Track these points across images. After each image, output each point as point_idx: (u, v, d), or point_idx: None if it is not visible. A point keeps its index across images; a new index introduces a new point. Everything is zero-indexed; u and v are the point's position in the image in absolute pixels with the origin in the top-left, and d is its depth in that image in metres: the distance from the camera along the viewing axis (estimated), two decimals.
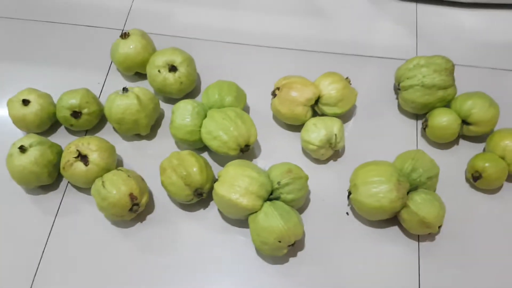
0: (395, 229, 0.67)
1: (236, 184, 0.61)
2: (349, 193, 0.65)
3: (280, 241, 0.60)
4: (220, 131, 0.66)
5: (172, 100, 0.77)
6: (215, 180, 0.65)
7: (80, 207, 0.69)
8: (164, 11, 0.87)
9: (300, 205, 0.67)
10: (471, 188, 0.69)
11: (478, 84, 0.76)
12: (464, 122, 0.69)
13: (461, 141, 0.73)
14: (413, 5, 0.87)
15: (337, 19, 0.86)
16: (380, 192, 0.61)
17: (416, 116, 0.75)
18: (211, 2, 0.89)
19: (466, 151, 0.71)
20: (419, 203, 0.62)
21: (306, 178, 0.65)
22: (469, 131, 0.70)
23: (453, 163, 0.71)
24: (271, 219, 0.60)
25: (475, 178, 0.67)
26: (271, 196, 0.63)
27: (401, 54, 0.82)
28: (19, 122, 0.71)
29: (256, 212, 0.62)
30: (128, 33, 0.76)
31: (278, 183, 0.63)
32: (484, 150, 0.71)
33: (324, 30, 0.85)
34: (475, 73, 0.79)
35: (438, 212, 0.62)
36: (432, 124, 0.69)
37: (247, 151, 0.68)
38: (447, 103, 0.72)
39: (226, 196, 0.61)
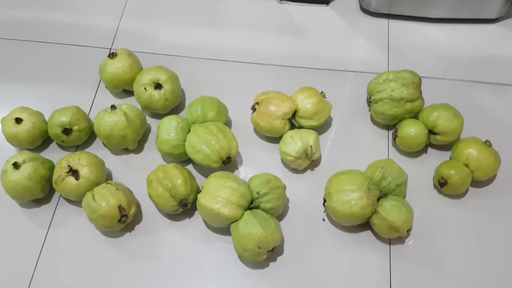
0: (367, 233, 0.71)
1: (218, 194, 0.66)
2: (324, 201, 0.70)
3: (259, 247, 0.64)
4: (203, 145, 0.71)
5: (158, 115, 0.82)
6: (199, 191, 0.70)
7: (72, 219, 0.73)
8: (149, 30, 0.92)
9: (279, 213, 0.71)
10: (438, 194, 0.74)
11: (444, 95, 0.81)
12: (431, 132, 0.74)
13: (429, 150, 0.78)
14: (385, 21, 0.93)
15: (313, 35, 0.91)
16: (351, 199, 0.66)
17: (387, 127, 0.80)
18: (194, 20, 0.93)
19: (433, 159, 0.76)
20: (388, 209, 0.66)
21: (284, 187, 0.70)
22: (436, 141, 0.75)
23: (421, 171, 0.76)
24: (251, 227, 0.64)
25: (441, 184, 0.72)
26: (251, 205, 0.68)
27: (373, 68, 0.87)
28: (12, 139, 0.75)
29: (237, 220, 0.66)
30: (116, 53, 0.80)
31: (258, 193, 0.67)
32: (450, 158, 0.76)
33: (301, 47, 0.90)
34: (442, 85, 0.84)
35: (406, 217, 0.66)
36: (401, 135, 0.74)
37: (228, 163, 0.73)
38: (415, 115, 0.77)
39: (208, 206, 0.65)
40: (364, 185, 0.66)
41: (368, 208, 0.66)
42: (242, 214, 0.66)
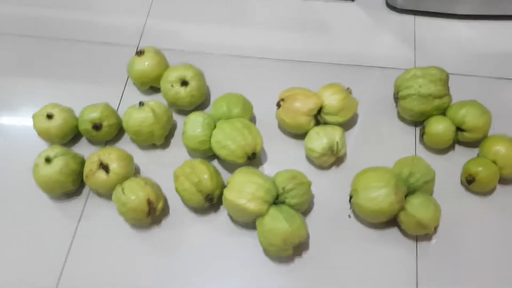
0: (394, 230, 0.71)
1: (243, 190, 0.66)
2: (350, 197, 0.70)
3: (285, 242, 0.64)
4: (229, 140, 0.71)
5: (184, 112, 0.83)
6: (224, 186, 0.70)
7: (101, 212, 0.75)
8: (175, 28, 0.93)
9: (304, 209, 0.71)
10: (466, 191, 0.73)
11: (472, 92, 0.80)
12: (459, 129, 0.74)
13: (457, 147, 0.77)
14: (411, 17, 0.92)
15: (338, 32, 0.91)
16: (379, 196, 0.66)
17: (414, 123, 0.80)
18: (219, 18, 0.94)
19: (461, 156, 0.76)
20: (416, 206, 0.66)
21: (309, 183, 0.70)
22: (463, 137, 0.74)
23: (449, 168, 0.75)
24: (277, 222, 0.65)
25: (469, 181, 0.71)
26: (276, 201, 0.68)
27: (400, 64, 0.86)
28: (43, 134, 0.77)
29: (262, 215, 0.67)
30: (143, 50, 0.82)
31: (283, 188, 0.68)
32: (477, 155, 0.75)
33: (326, 43, 0.90)
34: (469, 82, 0.83)
35: (434, 214, 0.66)
36: (429, 131, 0.74)
37: (253, 159, 0.73)
38: (442, 111, 0.76)
39: (234, 201, 0.66)
40: (391, 182, 0.66)
41: (396, 205, 0.66)
42: (268, 209, 0.67)
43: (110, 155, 0.72)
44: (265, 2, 0.96)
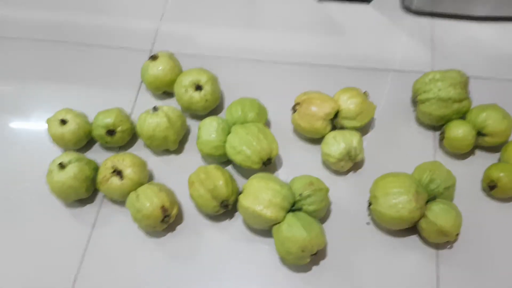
0: (414, 237, 0.69)
1: (260, 196, 0.65)
2: (369, 204, 0.68)
3: (303, 250, 0.63)
4: (244, 146, 0.70)
5: (198, 116, 0.82)
6: (239, 193, 0.69)
7: (115, 218, 0.74)
8: (189, 31, 0.93)
9: (322, 216, 0.70)
10: (487, 197, 0.71)
11: (492, 96, 0.78)
12: (479, 133, 0.72)
13: (477, 152, 0.75)
14: (428, 19, 0.90)
15: (353, 34, 0.90)
16: (399, 203, 0.64)
17: (433, 128, 0.78)
18: (232, 22, 0.93)
19: (481, 161, 0.74)
20: (437, 213, 0.64)
21: (327, 190, 0.68)
22: (484, 142, 0.72)
23: (469, 173, 0.73)
24: (294, 230, 0.63)
25: (490, 187, 0.69)
26: (293, 207, 0.67)
27: (417, 67, 0.84)
28: (57, 140, 0.77)
29: (279, 222, 0.65)
30: (157, 55, 0.81)
31: (300, 195, 0.66)
32: (499, 160, 0.73)
33: (341, 45, 0.89)
34: (489, 85, 0.81)
35: (455, 221, 0.64)
36: (449, 136, 0.72)
37: (269, 164, 0.72)
38: (462, 115, 0.74)
39: (250, 207, 0.65)
40: (412, 188, 0.64)
41: (417, 212, 0.64)
42: (285, 216, 0.65)
43: (124, 161, 0.71)
44: (279, 5, 0.95)
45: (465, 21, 0.89)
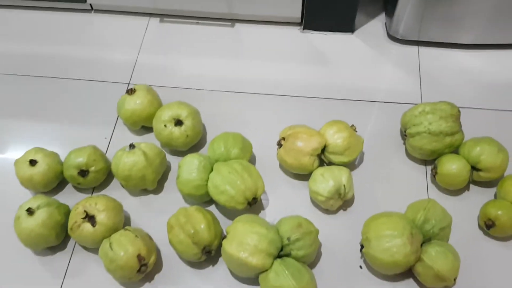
0: (409, 282, 0.65)
1: (244, 241, 0.60)
2: (362, 246, 0.64)
3: None
4: (227, 185, 0.66)
5: (178, 152, 0.77)
6: (223, 236, 0.65)
7: (88, 267, 0.68)
8: (168, 63, 0.89)
9: (312, 260, 0.65)
10: (485, 236, 0.68)
11: (484, 127, 0.76)
12: (474, 168, 0.69)
13: (472, 187, 0.72)
14: (414, 48, 0.88)
15: (339, 64, 0.87)
16: (393, 246, 0.60)
17: (424, 162, 0.75)
18: (214, 52, 0.90)
19: (477, 197, 0.70)
20: (433, 256, 0.60)
21: (317, 232, 0.64)
22: (479, 177, 0.69)
23: (464, 210, 0.69)
24: (282, 279, 0.58)
25: (488, 226, 0.65)
26: (281, 253, 0.62)
27: (406, 98, 0.82)
28: (26, 182, 0.71)
29: (266, 270, 0.60)
30: (134, 89, 0.77)
31: (288, 239, 0.62)
32: (495, 195, 0.70)
33: (327, 76, 0.86)
34: (481, 116, 0.79)
35: (453, 264, 0.60)
36: (442, 172, 0.69)
37: (254, 204, 0.67)
38: (455, 149, 0.71)
39: (235, 255, 0.60)
40: (406, 230, 0.60)
41: (412, 256, 0.60)
42: (272, 263, 0.61)
43: (96, 205, 0.66)
44: (261, 35, 0.92)
45: (452, 49, 0.87)
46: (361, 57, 0.88)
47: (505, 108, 0.79)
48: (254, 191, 0.67)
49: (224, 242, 0.62)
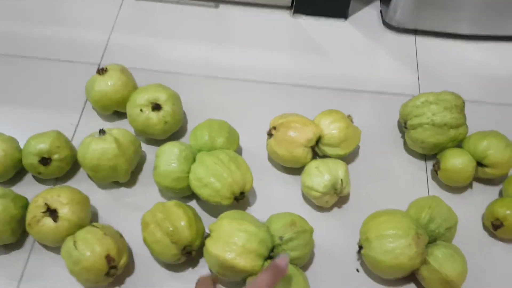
0: (412, 287, 0.59)
1: (231, 241, 0.53)
2: (360, 247, 0.58)
3: None
4: (212, 177, 0.58)
5: (155, 141, 0.69)
6: (206, 235, 0.57)
7: (49, 269, 0.59)
8: (145, 44, 0.80)
9: (305, 262, 0.58)
10: (490, 237, 0.63)
11: (486, 121, 0.71)
12: (479, 164, 0.64)
13: (475, 184, 0.67)
14: (411, 37, 0.83)
15: (331, 52, 0.81)
16: (397, 247, 0.54)
17: (424, 157, 0.69)
18: (196, 35, 0.82)
19: (481, 195, 0.65)
20: (440, 259, 0.54)
21: (311, 231, 0.58)
22: (484, 174, 0.64)
23: (468, 209, 0.64)
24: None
25: (495, 226, 0.60)
26: (272, 254, 0.55)
27: (402, 89, 0.76)
28: None
29: (256, 274, 0.53)
30: (106, 68, 0.68)
31: (280, 238, 0.55)
32: (500, 193, 0.65)
33: (318, 65, 0.79)
34: (482, 110, 0.74)
35: (462, 268, 0.55)
36: (446, 167, 0.63)
37: (242, 199, 0.60)
38: (458, 143, 0.66)
39: (220, 256, 0.53)
40: (411, 230, 0.54)
41: (417, 258, 0.54)
42: (262, 266, 0.54)
43: (59, 197, 0.57)
44: (249, 18, 0.85)
45: (451, 39, 0.82)
46: (354, 45, 0.82)
47: (507, 102, 0.75)
48: (242, 185, 0.59)
49: (207, 241, 0.55)
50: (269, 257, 0.55)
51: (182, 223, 0.56)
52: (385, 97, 0.76)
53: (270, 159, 0.69)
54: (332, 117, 0.66)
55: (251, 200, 0.65)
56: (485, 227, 0.63)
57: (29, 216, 0.57)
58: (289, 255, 0.53)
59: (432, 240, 0.57)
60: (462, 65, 0.79)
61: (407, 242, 0.54)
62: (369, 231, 0.56)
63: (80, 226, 0.57)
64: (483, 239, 0.63)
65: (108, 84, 0.67)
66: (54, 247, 0.60)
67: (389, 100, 0.75)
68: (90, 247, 0.53)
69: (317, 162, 0.63)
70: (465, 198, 0.66)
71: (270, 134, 0.66)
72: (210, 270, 0.58)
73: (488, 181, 0.67)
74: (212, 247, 0.54)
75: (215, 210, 0.63)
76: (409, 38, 0.83)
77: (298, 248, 0.55)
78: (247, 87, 0.76)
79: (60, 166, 0.63)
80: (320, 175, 0.61)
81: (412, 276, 0.58)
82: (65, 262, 0.55)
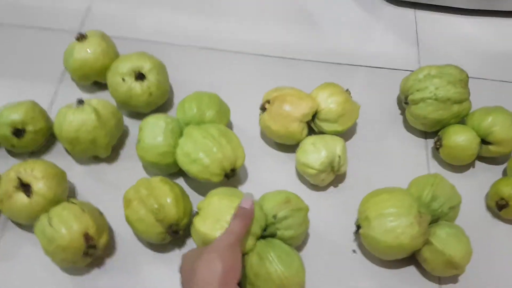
0: (411, 269, 0.56)
1: (222, 218, 0.49)
2: (358, 227, 0.54)
3: None
4: (201, 152, 0.54)
5: (139, 115, 0.64)
6: (194, 214, 0.53)
7: (22, 248, 0.55)
8: (129, 10, 0.75)
9: (299, 243, 0.55)
10: (494, 218, 0.60)
11: (487, 98, 0.67)
12: (483, 141, 0.60)
13: (477, 163, 0.64)
14: (411, 11, 0.79)
15: (331, 26, 0.77)
16: (398, 226, 0.50)
17: (425, 134, 0.66)
18: (187, 1, 0.77)
19: (483, 174, 0.62)
20: (444, 239, 0.51)
21: (307, 209, 0.54)
22: (488, 152, 0.61)
23: (470, 189, 0.61)
24: (268, 264, 0.48)
25: (500, 206, 0.57)
26: (265, 233, 0.51)
27: (402, 64, 0.73)
28: None
29: (247, 254, 0.49)
30: (86, 34, 0.63)
31: (274, 216, 0.51)
32: (504, 173, 0.62)
33: (317, 38, 0.75)
34: (484, 86, 0.71)
35: (467, 249, 0.52)
36: (448, 144, 0.60)
37: (233, 176, 0.56)
38: (461, 119, 0.63)
39: (210, 234, 0.48)
40: (414, 208, 0.51)
41: (419, 238, 0.51)
42: (255, 245, 0.50)
43: (33, 171, 0.52)
44: None
45: (451, 14, 0.79)
46: (352, 17, 0.78)
47: (508, 80, 0.72)
48: (233, 161, 0.55)
49: (196, 219, 0.51)
50: (262, 236, 0.51)
51: (168, 200, 0.52)
52: (383, 72, 0.72)
53: (263, 135, 0.65)
54: (330, 90, 0.62)
55: (242, 178, 0.61)
56: (488, 208, 0.60)
57: (0, 192, 0.52)
58: (252, 195, 0.51)
59: (435, 220, 0.54)
60: (463, 41, 0.76)
61: (409, 221, 0.50)
62: (368, 210, 0.53)
63: (56, 202, 0.52)
64: (486, 220, 0.60)
65: (87, 52, 0.62)
66: (28, 225, 0.55)
67: (388, 75, 0.71)
68: (66, 224, 0.49)
69: (314, 138, 0.59)
70: (467, 178, 0.63)
71: (263, 109, 0.61)
72: None
73: (491, 160, 0.64)
74: (201, 225, 0.50)
75: (203, 188, 0.59)
76: (409, 12, 0.79)
77: (292, 226, 0.51)
78: (239, 59, 0.72)
79: (35, 138, 0.58)
80: (316, 151, 0.57)
81: (412, 258, 0.55)
82: (39, 241, 0.50)
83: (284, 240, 0.51)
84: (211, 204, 0.51)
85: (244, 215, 0.47)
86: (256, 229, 0.49)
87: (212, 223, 0.49)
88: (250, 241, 0.49)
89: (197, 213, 0.52)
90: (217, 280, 0.41)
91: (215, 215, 0.49)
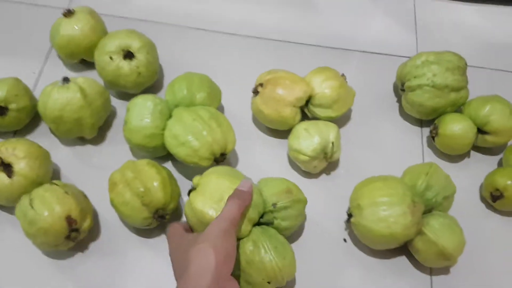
0: (402, 259, 0.55)
1: (221, 198, 0.46)
2: (349, 216, 0.53)
3: (269, 282, 0.46)
4: (190, 135, 0.52)
5: (127, 95, 0.62)
6: (190, 188, 0.50)
7: (2, 231, 0.53)
8: None
9: (290, 234, 0.53)
10: (488, 209, 0.59)
11: (486, 87, 0.66)
12: (480, 130, 0.59)
13: (472, 153, 0.63)
14: None
15: (327, 9, 0.75)
16: (390, 216, 0.49)
17: (420, 123, 0.64)
18: None
19: (479, 165, 0.61)
20: (437, 230, 0.50)
21: (305, 202, 0.52)
22: (484, 142, 0.60)
23: (464, 179, 0.60)
24: (263, 253, 0.46)
25: (494, 197, 0.56)
26: (261, 220, 0.50)
27: (399, 50, 0.71)
28: None
29: (242, 239, 0.48)
30: (73, 10, 0.61)
31: (274, 205, 0.49)
32: (499, 163, 0.61)
33: (312, 21, 0.73)
34: (483, 75, 0.69)
35: (460, 240, 0.51)
36: (444, 133, 0.58)
37: (222, 161, 0.54)
38: (458, 108, 0.61)
39: (206, 213, 0.45)
40: (407, 197, 0.50)
41: (412, 228, 0.49)
42: (250, 231, 0.48)
43: (15, 150, 0.50)
44: None
45: (451, 1, 0.77)
46: (350, 1, 0.76)
47: (506, 69, 0.70)
48: (223, 145, 0.53)
49: (192, 195, 0.48)
50: (258, 223, 0.49)
51: (155, 184, 0.50)
52: (380, 58, 0.70)
53: (255, 120, 0.63)
54: (325, 75, 0.60)
55: (232, 163, 0.60)
56: (482, 199, 0.59)
57: None
58: (251, 179, 0.49)
59: (428, 210, 0.53)
60: (463, 29, 0.74)
61: (402, 210, 0.49)
62: (361, 198, 0.51)
63: (38, 183, 0.51)
64: (480, 211, 0.59)
65: (75, 28, 0.60)
66: (8, 207, 0.53)
67: (384, 61, 0.70)
68: (48, 206, 0.47)
69: (307, 124, 0.57)
70: (462, 168, 0.61)
71: (256, 92, 0.59)
72: None
73: (487, 151, 0.62)
74: (198, 201, 0.46)
75: (191, 172, 0.57)
76: None
77: (289, 218, 0.50)
78: (232, 41, 0.69)
79: (18, 117, 0.56)
80: (309, 137, 0.56)
81: (403, 248, 0.53)
82: (20, 223, 0.48)
83: (279, 230, 0.50)
84: (210, 182, 0.48)
85: (242, 198, 0.45)
86: (253, 214, 0.47)
87: (210, 203, 0.46)
88: (246, 226, 0.47)
89: (194, 188, 0.49)
90: (211, 272, 0.38)
91: (214, 195, 0.47)
